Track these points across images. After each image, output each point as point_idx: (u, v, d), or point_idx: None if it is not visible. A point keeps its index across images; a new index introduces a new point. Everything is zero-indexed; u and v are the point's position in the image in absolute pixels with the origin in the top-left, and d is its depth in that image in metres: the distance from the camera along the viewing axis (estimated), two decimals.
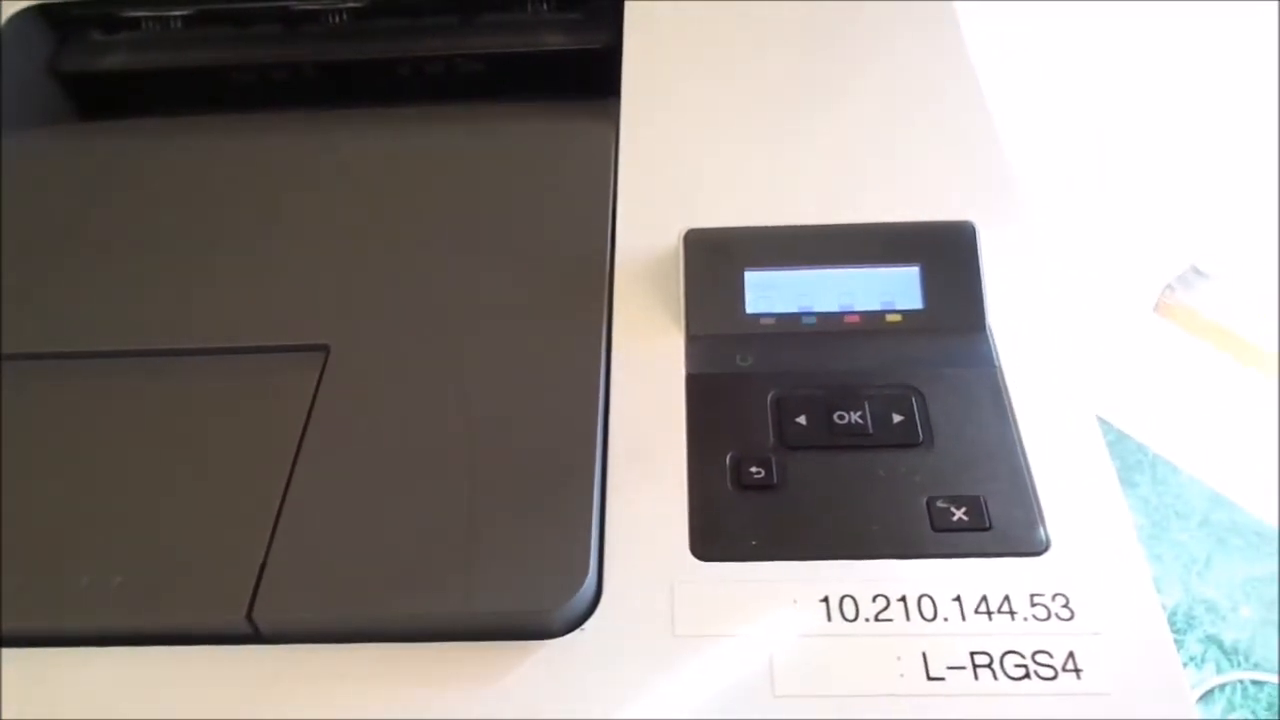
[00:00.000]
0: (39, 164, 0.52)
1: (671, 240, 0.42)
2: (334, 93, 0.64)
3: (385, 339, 0.40)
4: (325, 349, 0.40)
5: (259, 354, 0.40)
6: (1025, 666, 0.30)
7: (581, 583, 0.32)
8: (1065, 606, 0.32)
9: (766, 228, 0.42)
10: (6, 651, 0.33)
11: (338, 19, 0.62)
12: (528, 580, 0.32)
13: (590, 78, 0.59)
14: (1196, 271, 0.74)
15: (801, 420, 0.37)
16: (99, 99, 0.63)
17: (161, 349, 0.41)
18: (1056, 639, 0.31)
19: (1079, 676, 0.30)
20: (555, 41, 0.60)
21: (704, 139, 0.48)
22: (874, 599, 0.32)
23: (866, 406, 0.37)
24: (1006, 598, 0.32)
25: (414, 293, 0.42)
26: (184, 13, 0.62)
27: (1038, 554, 0.33)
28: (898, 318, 0.40)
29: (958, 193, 0.45)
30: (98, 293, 0.44)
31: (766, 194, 0.45)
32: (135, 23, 0.62)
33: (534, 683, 0.31)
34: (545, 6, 0.60)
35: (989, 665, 0.31)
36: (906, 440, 0.36)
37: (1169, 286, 0.75)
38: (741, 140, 0.48)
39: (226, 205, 0.48)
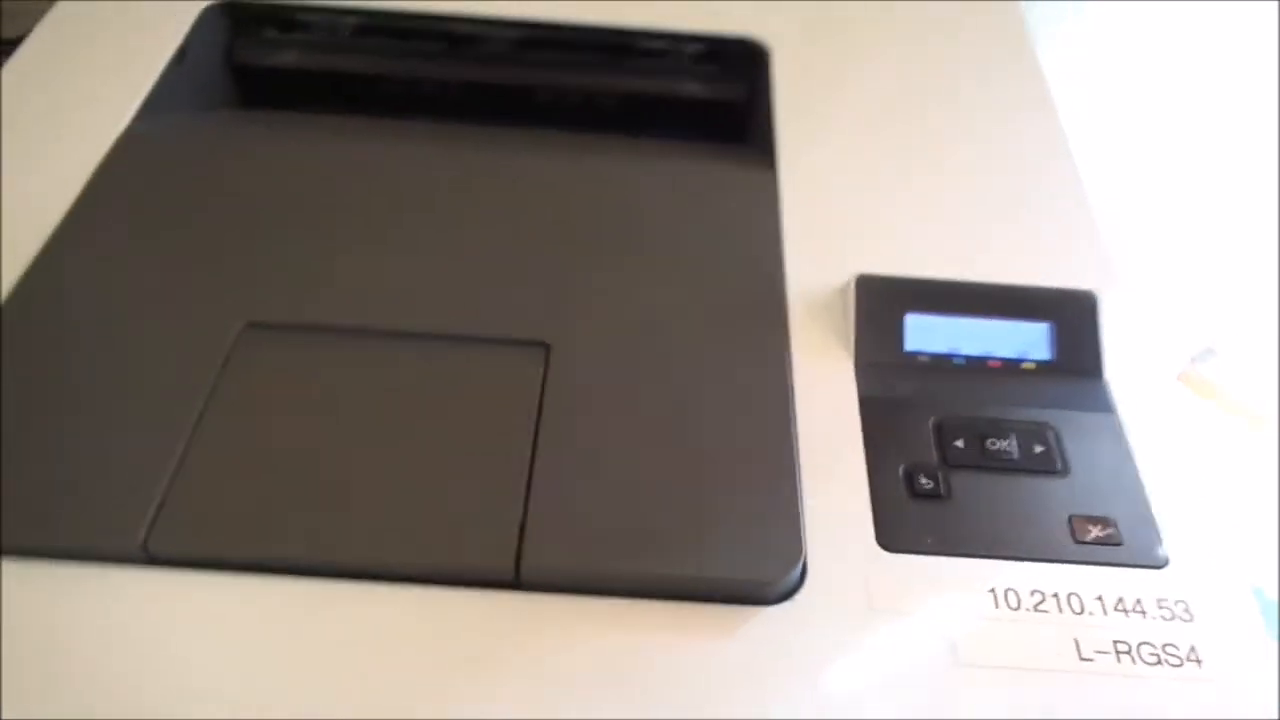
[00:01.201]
0: (236, 145, 0.57)
1: (834, 280, 0.50)
2: (474, 112, 0.70)
3: (597, 344, 0.46)
4: (546, 346, 0.46)
5: (486, 344, 0.46)
6: (1157, 655, 0.38)
7: (799, 558, 0.39)
8: (1186, 611, 0.39)
9: (926, 280, 0.49)
10: (282, 580, 0.38)
11: (497, 45, 0.68)
12: (752, 554, 0.39)
13: (720, 126, 0.66)
14: (1210, 351, 0.83)
15: (959, 444, 0.44)
16: (264, 92, 0.69)
17: (390, 330, 0.47)
18: (1181, 635, 0.38)
19: (1200, 666, 0.38)
20: (695, 90, 0.67)
21: (856, 188, 0.55)
22: (1031, 593, 0.39)
23: (1013, 437, 0.44)
24: (1138, 600, 0.39)
25: (613, 303, 0.48)
26: (355, 20, 0.68)
27: (1160, 568, 0.40)
28: (1031, 366, 0.47)
29: (1074, 258, 0.52)
30: (323, 271, 0.49)
31: (909, 246, 0.52)
32: (307, 25, 0.68)
33: (757, 640, 0.37)
34: (687, 59, 0.67)
35: (1128, 652, 0.38)
36: (1048, 468, 0.43)
37: (1191, 359, 0.84)
38: (889, 193, 0.55)
39: (422, 203, 0.54)
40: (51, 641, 0.36)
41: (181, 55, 0.62)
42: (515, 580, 0.38)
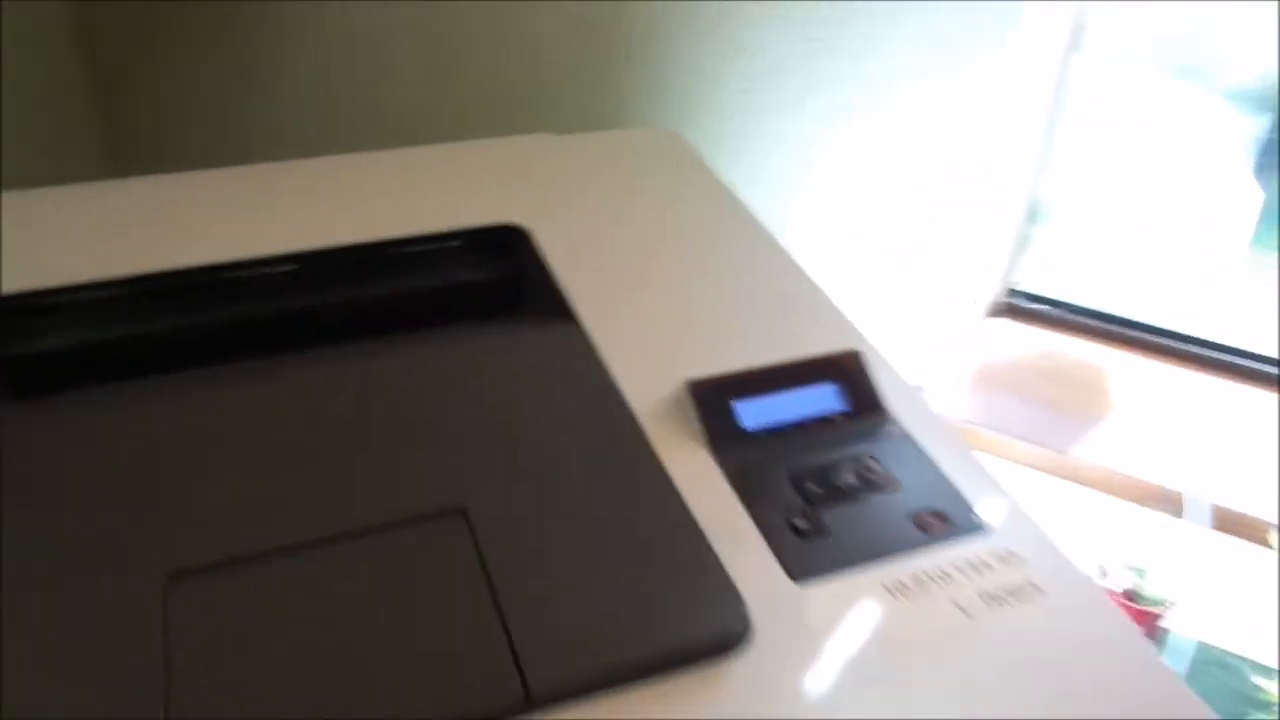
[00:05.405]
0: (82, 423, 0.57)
1: (671, 390, 0.59)
2: (267, 346, 0.72)
3: (504, 498, 0.52)
4: (463, 510, 0.51)
5: (408, 525, 0.50)
6: (1010, 593, 0.50)
7: (742, 606, 0.47)
8: (1014, 556, 0.51)
9: (736, 372, 0.60)
10: None
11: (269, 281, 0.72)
12: (710, 611, 0.46)
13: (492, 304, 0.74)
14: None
15: (813, 486, 0.54)
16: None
17: (316, 538, 0.49)
18: (1018, 573, 0.51)
19: (1041, 591, 0.50)
20: (467, 275, 0.75)
21: (658, 311, 0.66)
22: (912, 579, 0.50)
23: (850, 471, 0.55)
24: (981, 559, 0.51)
25: (497, 462, 0.54)
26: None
27: (985, 532, 0.53)
28: (835, 416, 0.59)
29: (824, 327, 0.66)
30: (222, 510, 0.51)
31: (703, 352, 0.63)
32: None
33: (753, 672, 0.45)
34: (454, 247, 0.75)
35: (995, 597, 0.49)
36: (884, 486, 0.55)
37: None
38: (683, 303, 0.66)
39: (273, 431, 0.56)
40: None
41: None
42: (526, 700, 0.43)
